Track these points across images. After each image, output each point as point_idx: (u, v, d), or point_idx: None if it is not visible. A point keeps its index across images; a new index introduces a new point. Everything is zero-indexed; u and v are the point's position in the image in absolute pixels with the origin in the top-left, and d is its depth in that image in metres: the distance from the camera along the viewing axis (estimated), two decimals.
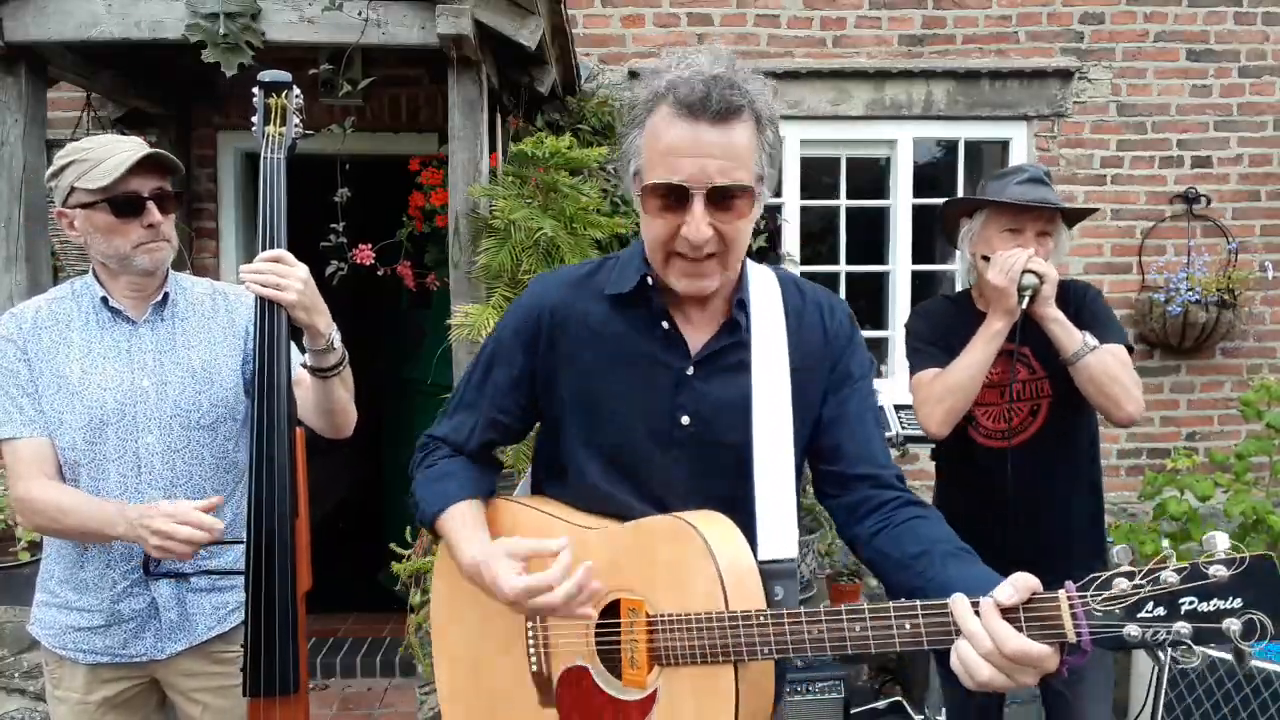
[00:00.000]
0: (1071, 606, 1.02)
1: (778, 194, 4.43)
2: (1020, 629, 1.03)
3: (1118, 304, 4.42)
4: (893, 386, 4.44)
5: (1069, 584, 1.04)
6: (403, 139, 4.29)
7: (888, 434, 3.43)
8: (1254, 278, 4.40)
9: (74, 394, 1.81)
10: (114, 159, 1.77)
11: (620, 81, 4.31)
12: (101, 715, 1.91)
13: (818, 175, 4.67)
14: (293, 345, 1.88)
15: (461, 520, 1.40)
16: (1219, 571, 0.97)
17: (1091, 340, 2.07)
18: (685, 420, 1.37)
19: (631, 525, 1.34)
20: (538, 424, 1.55)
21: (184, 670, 1.93)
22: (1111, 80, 4.45)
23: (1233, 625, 0.97)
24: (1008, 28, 4.43)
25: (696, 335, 1.40)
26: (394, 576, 3.18)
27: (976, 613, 1.06)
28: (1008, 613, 1.04)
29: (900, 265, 4.53)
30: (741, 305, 1.39)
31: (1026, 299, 2.05)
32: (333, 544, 5.51)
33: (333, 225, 3.35)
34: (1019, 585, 1.05)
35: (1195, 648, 0.99)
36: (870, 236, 4.63)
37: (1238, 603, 0.97)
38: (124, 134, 3.97)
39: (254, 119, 1.85)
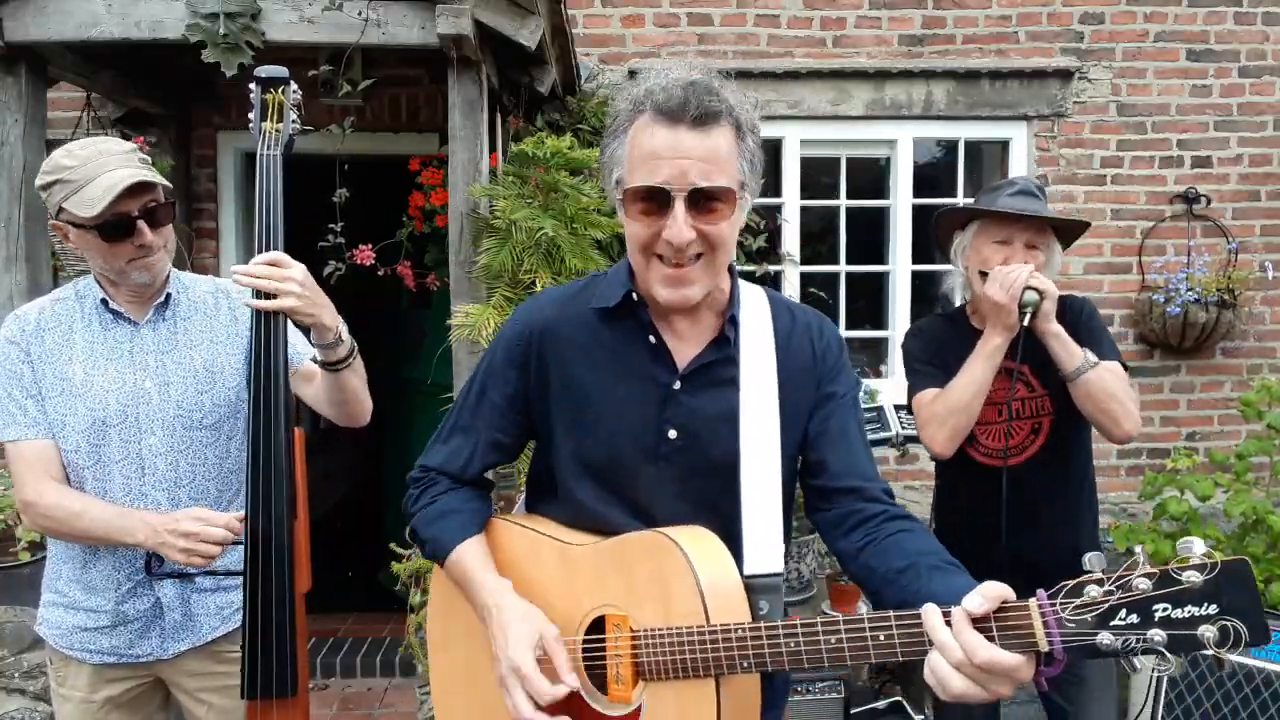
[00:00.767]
0: (1043, 615, 1.01)
1: (778, 194, 4.43)
2: (992, 638, 1.02)
3: (1118, 304, 4.42)
4: (892, 386, 4.44)
5: (1040, 592, 1.02)
6: (403, 139, 4.29)
7: (887, 434, 3.43)
8: (1254, 278, 4.40)
9: (77, 396, 1.81)
10: (98, 184, 1.72)
11: (620, 81, 4.30)
12: (106, 714, 1.91)
13: (818, 175, 4.67)
14: (301, 337, 1.88)
15: (475, 561, 1.42)
16: (1192, 577, 0.96)
17: (1092, 357, 2.05)
18: (672, 434, 1.37)
19: (615, 540, 1.34)
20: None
21: (189, 670, 1.94)
22: (1111, 80, 4.45)
23: (1207, 632, 0.95)
24: (1008, 28, 4.43)
25: (685, 349, 1.40)
26: (394, 576, 3.18)
27: (948, 623, 1.05)
28: (979, 622, 1.03)
29: (900, 265, 4.53)
30: (733, 321, 1.39)
31: (1028, 315, 2.03)
32: (333, 544, 5.52)
33: (330, 225, 3.34)
34: (988, 594, 1.04)
35: (1170, 655, 0.97)
36: (870, 236, 4.63)
37: (1212, 609, 0.95)
38: (124, 134, 4.02)
39: (251, 115, 1.84)
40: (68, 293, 1.90)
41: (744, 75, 4.11)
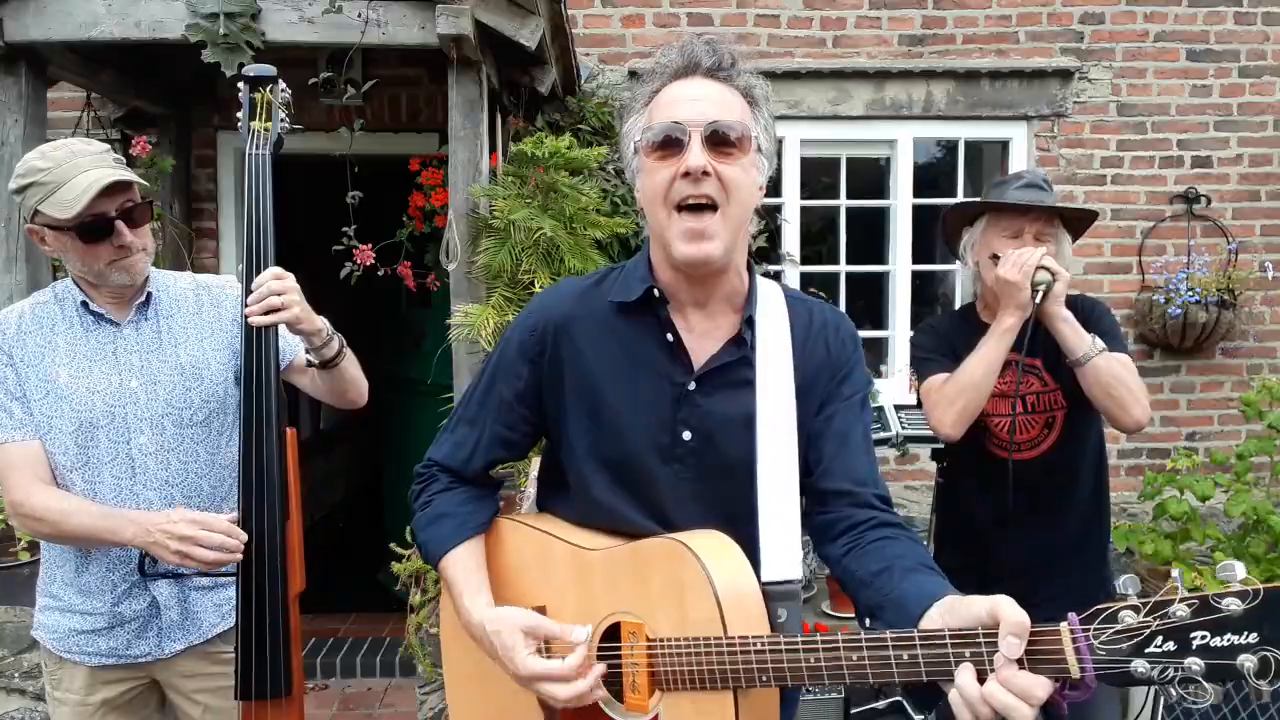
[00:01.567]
0: (1074, 640, 0.98)
1: (778, 194, 4.43)
2: (1023, 665, 0.99)
3: (1118, 304, 4.42)
4: (892, 387, 4.44)
5: (1071, 616, 0.99)
6: (403, 139, 4.29)
7: (887, 434, 3.42)
8: (1254, 278, 4.40)
9: (62, 398, 1.79)
10: (76, 183, 1.71)
11: (620, 81, 4.31)
12: (102, 717, 1.91)
13: (818, 175, 4.67)
14: (288, 332, 1.88)
15: (462, 571, 1.41)
16: (1233, 605, 0.92)
17: (1100, 343, 2.06)
18: (687, 435, 1.36)
19: (631, 546, 1.32)
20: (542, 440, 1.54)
21: (185, 671, 1.93)
22: (1111, 80, 4.45)
23: (1247, 662, 0.91)
24: (1008, 28, 4.43)
25: (701, 347, 1.38)
26: (394, 576, 3.18)
27: (979, 658, 1.01)
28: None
29: (900, 265, 4.53)
30: (750, 322, 1.37)
31: (1040, 295, 2.04)
32: (333, 544, 5.52)
33: (344, 230, 3.34)
34: (1018, 631, 0.99)
35: (1208, 685, 0.93)
36: (870, 236, 4.63)
37: (1253, 638, 0.91)
38: (125, 134, 4.02)
39: (238, 114, 1.83)
40: (47, 296, 1.89)
41: None
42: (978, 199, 2.31)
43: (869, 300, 4.70)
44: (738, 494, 1.34)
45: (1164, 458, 4.29)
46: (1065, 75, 4.41)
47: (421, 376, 4.31)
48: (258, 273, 1.76)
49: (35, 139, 3.14)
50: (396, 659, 4.02)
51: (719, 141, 1.27)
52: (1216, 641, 0.93)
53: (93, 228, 1.75)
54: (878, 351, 4.69)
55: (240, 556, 1.71)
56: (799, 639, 1.14)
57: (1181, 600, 0.94)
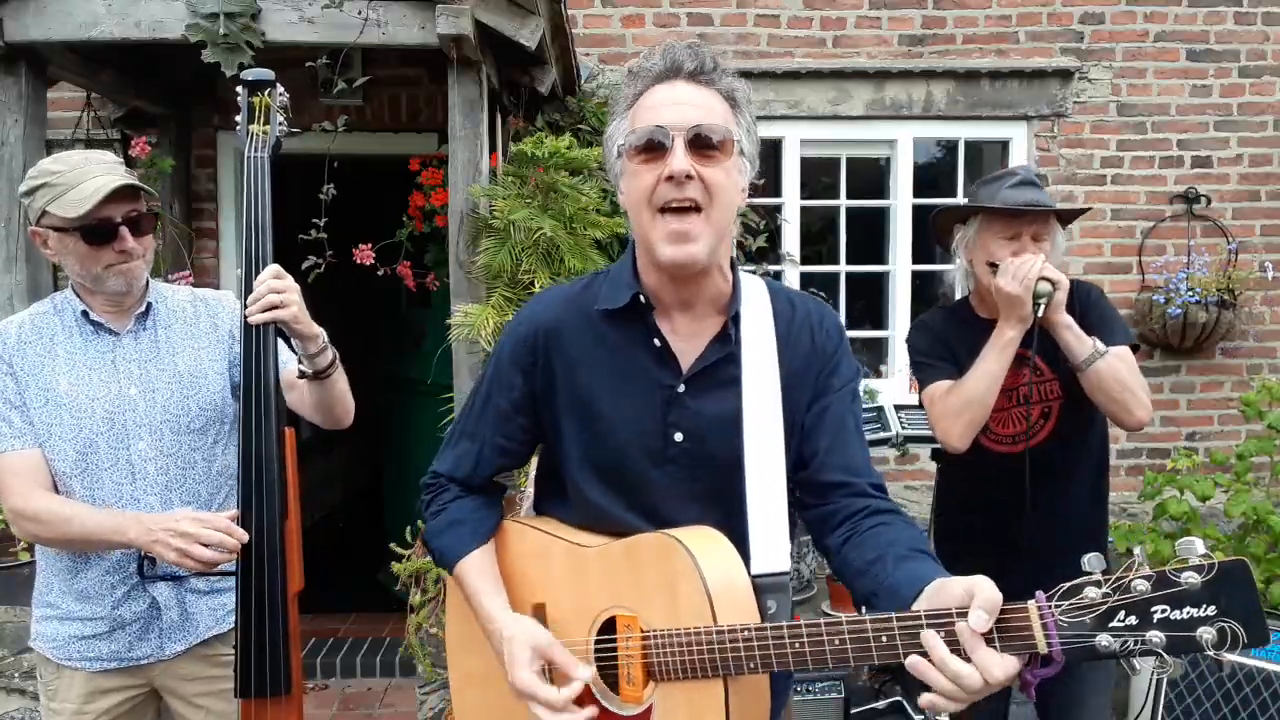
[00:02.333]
0: (1042, 617, 1.01)
1: (778, 194, 4.43)
2: (992, 642, 1.02)
3: (1118, 304, 4.38)
4: (892, 387, 4.44)
5: (1039, 594, 1.02)
6: (403, 139, 4.29)
7: (887, 434, 3.43)
8: (1254, 278, 4.40)
9: (62, 406, 1.81)
10: (86, 186, 1.73)
11: (620, 82, 4.30)
12: None
13: (818, 175, 4.67)
14: (282, 346, 1.89)
15: (478, 575, 1.44)
16: (1190, 579, 0.96)
17: (1101, 346, 2.06)
18: (679, 437, 1.37)
19: (624, 542, 1.34)
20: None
21: (185, 675, 1.94)
22: (1111, 80, 4.45)
23: (1206, 633, 0.95)
24: (1008, 28, 4.43)
25: (688, 349, 1.39)
26: (394, 576, 3.18)
27: (952, 637, 1.04)
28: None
29: (900, 265, 4.53)
30: (735, 319, 1.38)
31: (1041, 307, 2.03)
32: (333, 544, 5.52)
33: (314, 220, 3.29)
34: (988, 606, 1.02)
35: (1168, 657, 0.97)
36: (870, 236, 4.63)
37: (1211, 610, 0.95)
38: (124, 134, 4.02)
39: (237, 118, 1.85)
40: (45, 306, 1.91)
41: (744, 75, 4.09)
42: (966, 202, 2.28)
43: (869, 300, 4.70)
44: (728, 491, 1.36)
45: (1164, 458, 4.29)
46: (1065, 75, 4.42)
47: (421, 376, 4.31)
48: (257, 274, 1.78)
49: (35, 139, 3.14)
50: (396, 659, 4.02)
51: (702, 145, 1.29)
52: (1176, 614, 0.96)
53: (97, 230, 1.77)
54: (878, 351, 4.69)
55: (236, 554, 1.72)
56: (784, 626, 1.18)
57: (1142, 575, 0.98)
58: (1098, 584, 1.00)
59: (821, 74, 4.38)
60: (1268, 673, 2.53)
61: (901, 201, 4.50)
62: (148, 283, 1.93)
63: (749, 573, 1.27)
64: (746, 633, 1.19)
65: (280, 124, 1.85)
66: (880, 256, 4.62)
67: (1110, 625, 0.98)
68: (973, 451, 2.20)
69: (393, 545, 3.17)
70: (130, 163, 3.23)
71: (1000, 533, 2.17)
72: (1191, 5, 4.43)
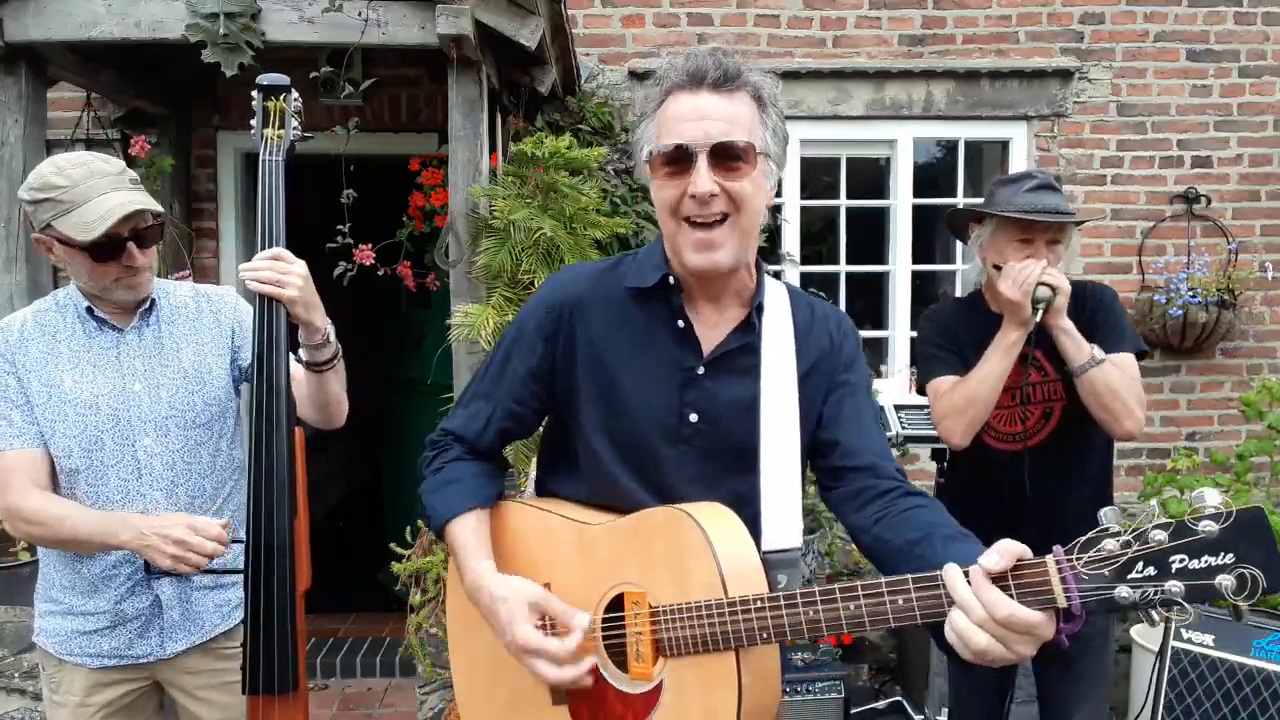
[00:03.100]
0: (1060, 570, 1.01)
1: (778, 194, 4.42)
2: (1011, 595, 1.03)
3: None
4: (893, 386, 4.44)
5: (1056, 548, 1.02)
6: (403, 139, 4.29)
7: (888, 434, 3.43)
8: (1254, 278, 4.40)
9: (66, 403, 1.81)
10: (93, 207, 1.72)
11: (620, 81, 4.31)
12: (101, 719, 1.91)
13: (818, 175, 4.67)
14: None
15: (469, 534, 1.43)
16: (1208, 527, 0.96)
17: (1099, 354, 2.08)
18: (694, 418, 1.40)
19: (632, 518, 1.35)
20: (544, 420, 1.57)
21: (188, 668, 1.94)
22: (1111, 80, 4.45)
23: (1225, 581, 0.95)
24: (1008, 28, 4.43)
25: (711, 335, 1.42)
26: (394, 576, 3.18)
27: (969, 582, 1.05)
28: (997, 580, 1.04)
29: (900, 265, 4.53)
30: (759, 309, 1.42)
31: (1040, 311, 2.07)
32: (333, 544, 5.52)
33: (339, 227, 3.34)
34: (1004, 551, 1.04)
35: (1188, 606, 0.97)
36: (870, 236, 4.63)
37: (1229, 558, 0.95)
38: (124, 134, 4.02)
39: (253, 122, 1.86)
40: (48, 303, 1.91)
41: None
42: (983, 205, 2.28)
43: (869, 300, 4.70)
44: (741, 474, 1.38)
45: (1164, 458, 4.30)
46: (1065, 75, 4.42)
47: (421, 376, 4.32)
48: None
49: (35, 139, 3.14)
50: (396, 659, 4.02)
51: (725, 157, 1.31)
52: (1194, 564, 0.96)
53: (106, 249, 1.77)
54: (878, 351, 4.69)
55: (227, 554, 1.73)
56: (797, 593, 1.18)
57: (1159, 525, 0.98)
58: (1115, 536, 0.99)
59: (821, 74, 4.37)
60: (1268, 673, 2.54)
61: (901, 201, 4.50)
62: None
63: (760, 549, 1.28)
64: (759, 603, 1.19)
65: (295, 128, 1.87)
66: (880, 256, 4.62)
67: (1129, 577, 0.98)
68: (975, 449, 2.21)
69: (393, 545, 3.17)
70: (130, 162, 3.23)
71: (1002, 530, 2.17)
72: (1191, 5, 4.43)
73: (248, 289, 1.75)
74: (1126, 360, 2.11)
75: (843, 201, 4.52)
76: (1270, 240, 4.50)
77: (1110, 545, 0.99)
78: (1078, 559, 1.01)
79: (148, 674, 1.94)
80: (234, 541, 1.77)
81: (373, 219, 3.71)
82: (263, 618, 1.71)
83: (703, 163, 1.30)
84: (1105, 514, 1.02)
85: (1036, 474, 2.17)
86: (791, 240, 4.46)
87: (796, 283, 4.41)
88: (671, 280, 1.41)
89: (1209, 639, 2.63)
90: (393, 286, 4.00)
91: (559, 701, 1.38)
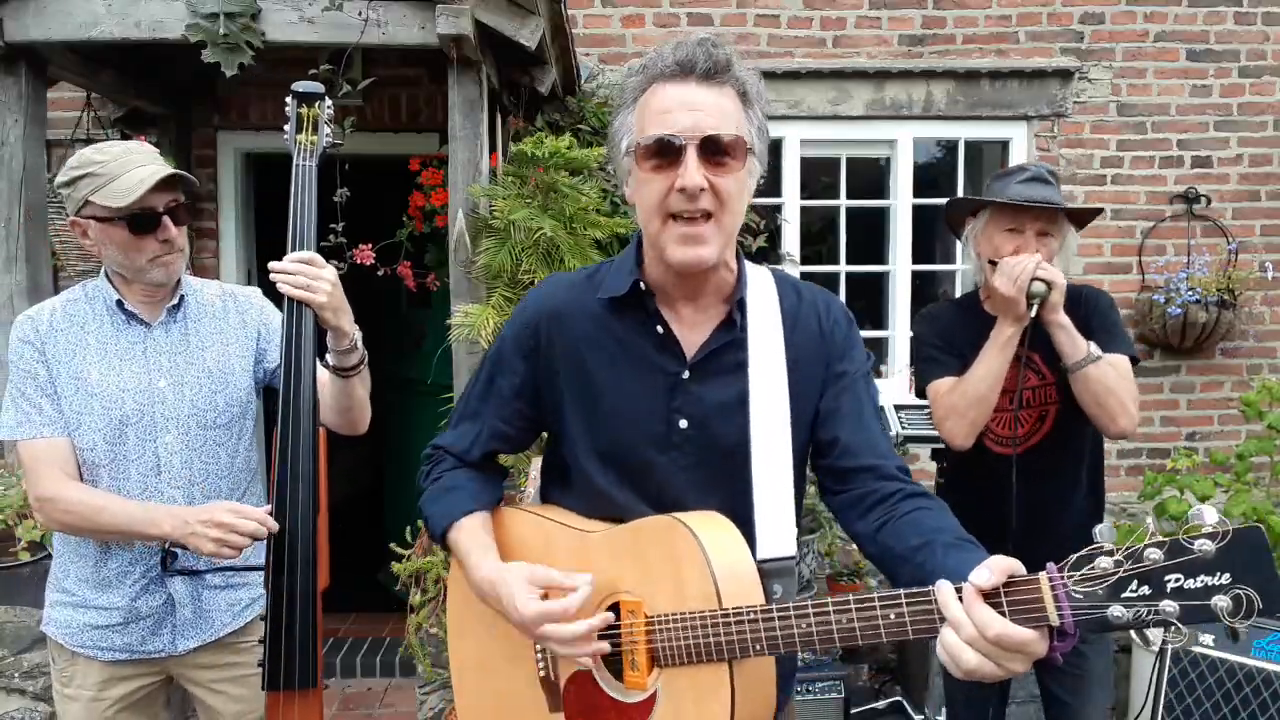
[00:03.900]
0: (1053, 588, 0.99)
1: (778, 194, 4.43)
2: (1003, 613, 1.01)
3: (1118, 304, 4.40)
4: (893, 386, 4.44)
5: (1050, 565, 1.01)
6: (403, 139, 4.29)
7: (888, 434, 3.43)
8: (1254, 278, 4.40)
9: (93, 395, 1.82)
10: (131, 176, 1.76)
11: (620, 81, 4.30)
12: (114, 714, 1.92)
13: (818, 175, 4.67)
14: None
15: (471, 535, 1.43)
16: (1204, 546, 0.93)
17: (1096, 351, 2.07)
18: (683, 424, 1.37)
19: (629, 526, 1.34)
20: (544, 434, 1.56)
21: (201, 663, 1.96)
22: (1111, 80, 4.45)
23: (1220, 602, 0.93)
24: (1008, 28, 4.43)
25: (692, 336, 1.39)
26: (394, 576, 3.18)
27: (960, 599, 1.04)
28: (989, 597, 1.02)
29: (900, 265, 4.53)
30: (740, 305, 1.38)
31: (1035, 306, 2.05)
32: (332, 544, 5.51)
33: (331, 225, 3.34)
34: (995, 568, 1.02)
35: (1183, 627, 0.94)
36: (870, 236, 4.63)
37: (1225, 578, 0.93)
38: (124, 134, 4.02)
39: (285, 127, 1.88)
40: (77, 294, 1.92)
41: None
42: (983, 194, 2.30)
43: (869, 300, 4.70)
44: (734, 476, 1.36)
45: (1164, 458, 4.29)
46: (1065, 75, 4.41)
47: (421, 376, 4.32)
48: None
49: (35, 139, 3.14)
50: (396, 659, 4.02)
51: (714, 152, 1.28)
52: (1190, 583, 0.94)
53: (142, 220, 1.79)
54: (878, 351, 4.69)
55: (262, 538, 1.74)
56: (790, 606, 1.17)
57: (1154, 544, 0.96)
58: (1109, 554, 0.98)
59: (821, 74, 4.37)
60: (1268, 673, 2.53)
61: (901, 201, 4.50)
62: (181, 276, 1.95)
63: (755, 557, 1.27)
64: (752, 614, 1.19)
65: (327, 135, 1.89)
66: (880, 256, 4.62)
67: (1123, 596, 0.96)
68: (974, 451, 2.21)
69: (393, 545, 3.17)
70: None
71: (999, 532, 2.18)
72: (1191, 5, 4.43)
73: (279, 289, 1.76)
74: (1121, 361, 2.11)
75: (843, 201, 4.52)
76: (1270, 240, 4.50)
77: (1104, 563, 0.97)
78: (1071, 577, 0.99)
79: (160, 669, 1.95)
80: (254, 539, 1.77)
81: (373, 219, 3.72)
82: (284, 613, 1.72)
83: (692, 155, 1.26)
84: (1100, 531, 1.01)
85: (1031, 476, 2.17)
86: (791, 240, 4.46)
87: None
88: (643, 285, 1.38)
89: (1209, 639, 2.63)
90: (393, 286, 4.00)
91: (555, 708, 1.38)
